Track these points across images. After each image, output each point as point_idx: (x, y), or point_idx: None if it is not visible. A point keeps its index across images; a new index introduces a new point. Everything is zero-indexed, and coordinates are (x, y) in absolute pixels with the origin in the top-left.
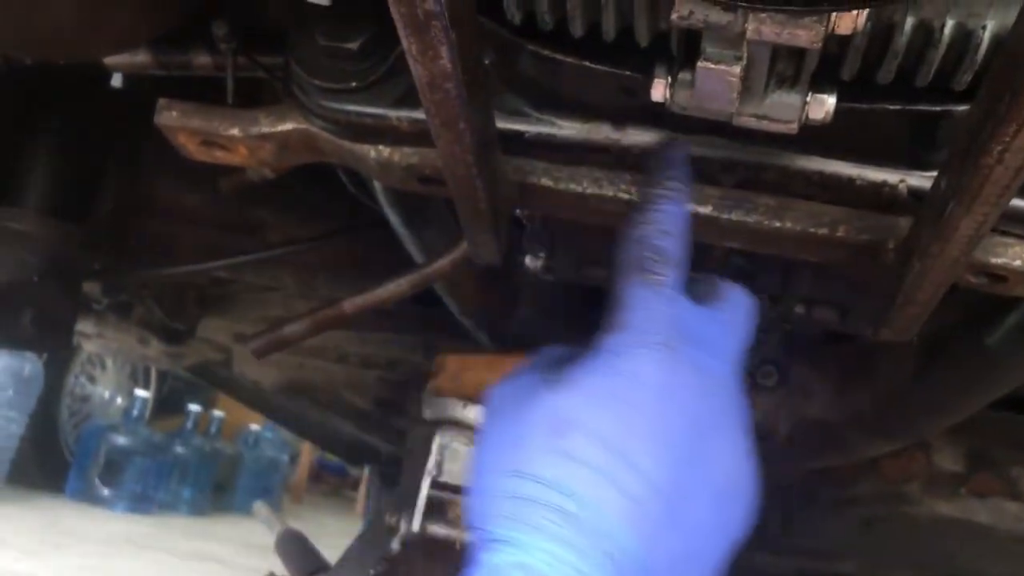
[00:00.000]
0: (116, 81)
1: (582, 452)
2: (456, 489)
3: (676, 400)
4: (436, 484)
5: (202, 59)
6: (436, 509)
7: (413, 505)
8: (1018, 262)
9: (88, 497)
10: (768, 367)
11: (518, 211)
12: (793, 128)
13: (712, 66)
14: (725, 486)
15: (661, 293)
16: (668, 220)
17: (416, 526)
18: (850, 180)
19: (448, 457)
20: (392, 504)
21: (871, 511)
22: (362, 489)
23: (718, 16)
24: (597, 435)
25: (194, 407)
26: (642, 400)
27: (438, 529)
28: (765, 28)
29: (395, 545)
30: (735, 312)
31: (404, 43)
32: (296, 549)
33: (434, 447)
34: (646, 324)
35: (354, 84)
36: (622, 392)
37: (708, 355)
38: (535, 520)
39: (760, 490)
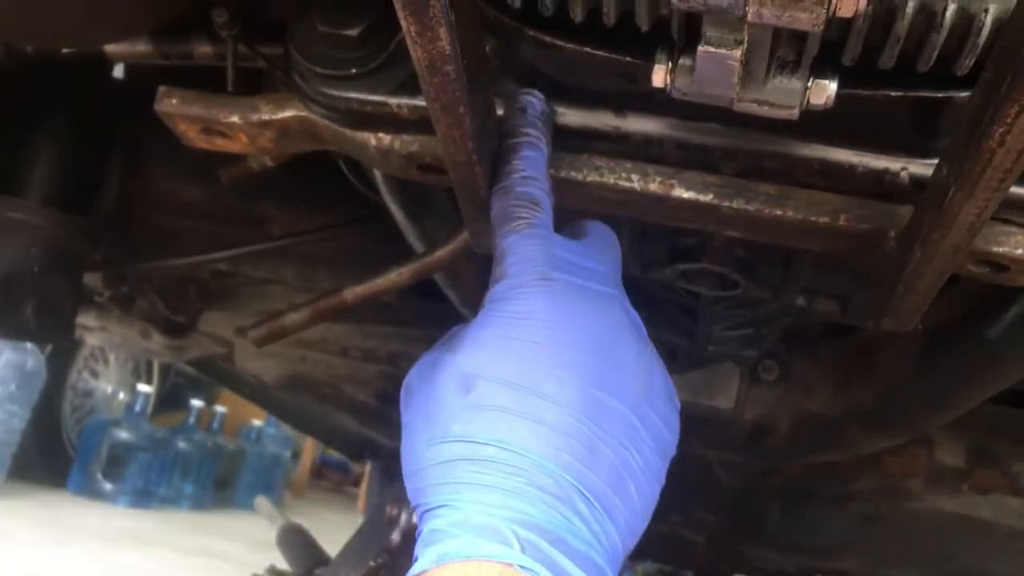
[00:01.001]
0: (118, 72)
1: (489, 398)
2: None
3: (567, 324)
4: None
5: (203, 48)
6: None
7: None
8: (1020, 251)
9: (90, 492)
10: (769, 362)
11: None
12: (794, 114)
13: (713, 50)
14: (641, 393)
15: (531, 235)
16: (528, 165)
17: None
18: (851, 168)
19: None
20: (393, 496)
21: (872, 507)
22: (364, 486)
23: None
24: (499, 378)
25: (196, 403)
26: (534, 333)
27: None
28: (766, 11)
29: (395, 536)
30: (603, 241)
31: (403, 24)
32: (297, 542)
33: None
34: (522, 265)
35: (354, 71)
36: (513, 332)
37: (587, 280)
38: (461, 477)
39: (677, 399)
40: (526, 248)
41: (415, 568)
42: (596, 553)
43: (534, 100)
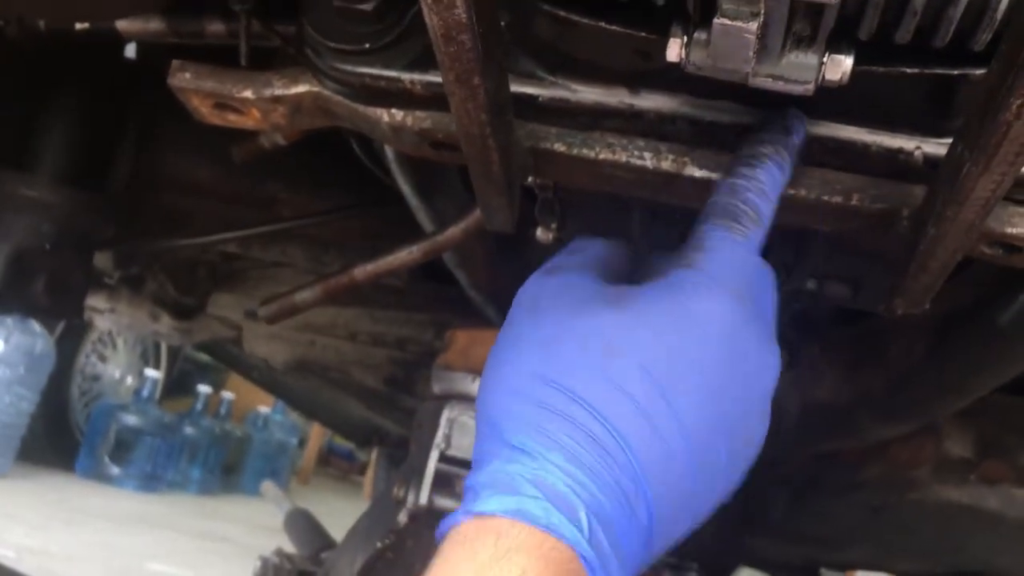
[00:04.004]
0: (130, 51)
1: (628, 381)
2: (464, 463)
3: (734, 357)
4: (444, 458)
5: (216, 26)
6: (444, 482)
7: (421, 478)
8: None
9: (98, 475)
10: None
11: (530, 180)
12: (809, 89)
13: (729, 22)
14: (742, 447)
15: (744, 246)
16: (769, 182)
17: (424, 499)
18: (865, 147)
19: (456, 431)
20: (400, 477)
21: (879, 497)
22: (369, 473)
23: None
24: (645, 365)
25: (204, 389)
26: (703, 346)
27: (446, 502)
28: None
29: (403, 518)
30: (774, 287)
31: None
32: (304, 526)
33: (442, 421)
34: (723, 269)
35: (368, 46)
36: (687, 329)
37: (767, 323)
38: (559, 436)
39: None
40: (734, 256)
41: (477, 503)
42: (638, 560)
43: (799, 125)
